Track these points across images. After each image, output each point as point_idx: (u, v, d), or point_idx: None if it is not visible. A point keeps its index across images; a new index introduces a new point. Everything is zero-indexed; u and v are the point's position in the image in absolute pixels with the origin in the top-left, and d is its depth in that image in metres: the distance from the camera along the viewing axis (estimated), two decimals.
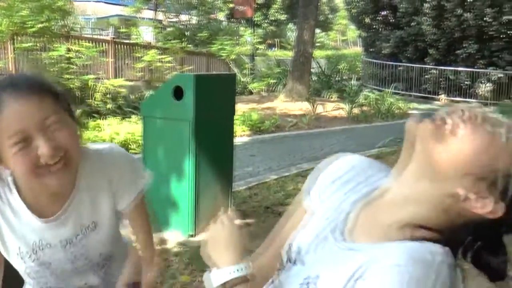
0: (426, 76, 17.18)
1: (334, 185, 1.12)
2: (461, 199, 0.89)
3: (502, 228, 0.93)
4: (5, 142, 1.20)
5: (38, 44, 11.09)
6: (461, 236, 0.96)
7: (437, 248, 0.89)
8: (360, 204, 1.03)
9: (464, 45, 16.15)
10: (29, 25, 10.04)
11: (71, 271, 1.48)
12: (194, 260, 3.61)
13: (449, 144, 0.89)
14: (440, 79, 16.64)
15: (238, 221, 3.76)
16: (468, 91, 16.07)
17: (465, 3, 15.66)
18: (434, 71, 16.79)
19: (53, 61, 10.90)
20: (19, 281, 1.56)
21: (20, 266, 1.45)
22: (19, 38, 10.72)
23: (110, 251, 1.52)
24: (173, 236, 4.02)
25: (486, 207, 0.88)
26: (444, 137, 0.89)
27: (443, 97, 16.67)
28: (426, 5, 16.57)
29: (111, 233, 1.50)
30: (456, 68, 16.24)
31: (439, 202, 0.91)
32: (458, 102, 15.81)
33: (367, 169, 1.12)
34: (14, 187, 1.38)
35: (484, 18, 15.31)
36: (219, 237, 1.08)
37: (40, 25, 10.10)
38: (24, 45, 10.57)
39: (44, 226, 1.40)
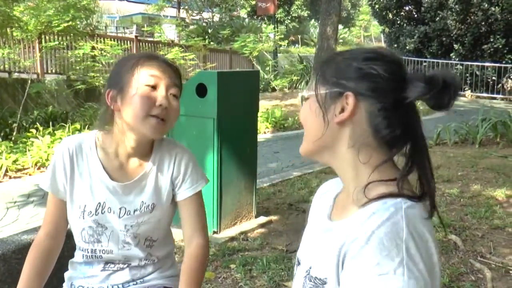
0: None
1: (317, 199, 1.26)
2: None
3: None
4: (140, 81, 1.45)
5: (64, 43, 11.25)
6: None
7: (395, 199, 0.95)
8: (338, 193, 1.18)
9: (491, 40, 15.86)
10: (55, 24, 10.17)
11: (120, 242, 1.58)
12: (218, 257, 3.63)
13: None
14: (466, 75, 16.33)
15: (262, 218, 3.72)
16: (495, 86, 15.77)
17: None
18: (460, 67, 16.49)
19: (78, 59, 11.05)
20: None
21: (79, 223, 1.57)
22: (46, 37, 10.88)
23: (157, 238, 1.62)
24: None
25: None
26: None
27: (469, 93, 16.40)
28: None
29: (164, 222, 1.62)
30: (482, 64, 15.95)
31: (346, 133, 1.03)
32: (484, 98, 15.55)
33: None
34: (95, 147, 1.56)
35: None
36: None
37: (65, 24, 10.22)
38: (50, 44, 10.73)
39: (112, 188, 1.55)
